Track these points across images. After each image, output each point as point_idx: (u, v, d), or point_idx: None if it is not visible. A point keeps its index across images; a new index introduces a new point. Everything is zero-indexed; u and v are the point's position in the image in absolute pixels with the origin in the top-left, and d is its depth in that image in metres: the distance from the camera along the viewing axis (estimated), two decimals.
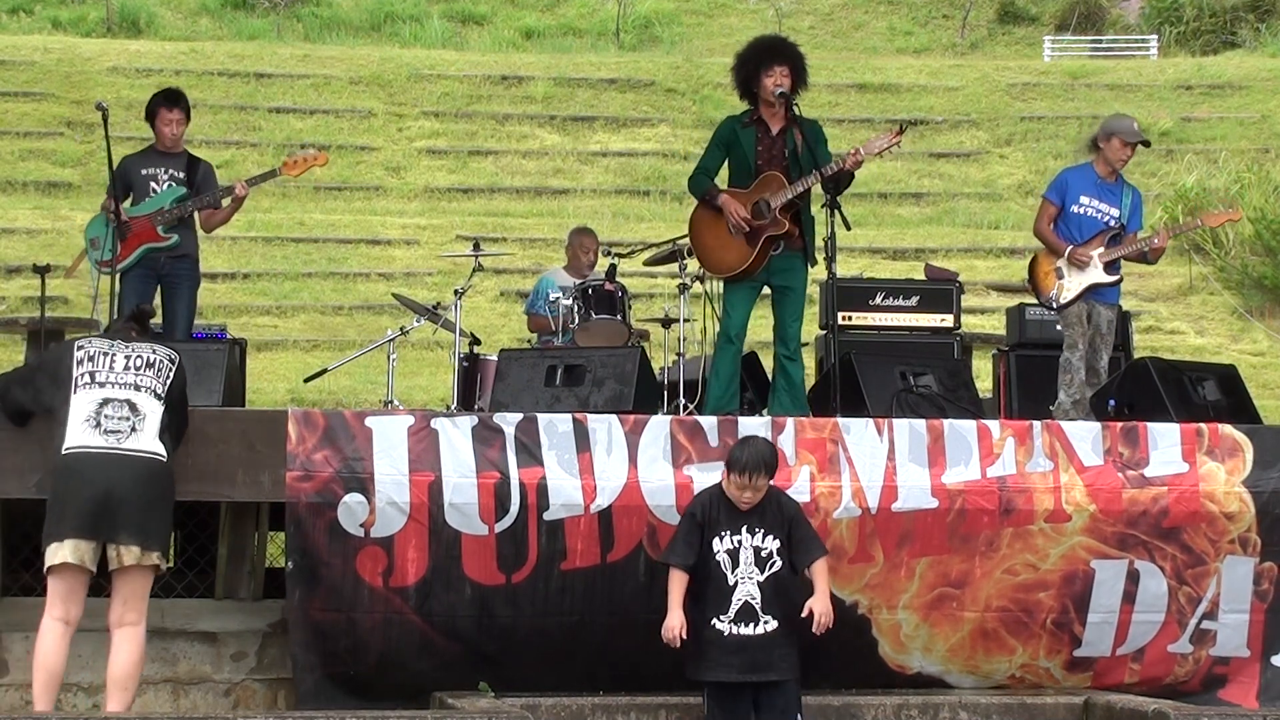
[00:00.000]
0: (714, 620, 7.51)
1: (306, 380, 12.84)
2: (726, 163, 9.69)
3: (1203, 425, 8.71)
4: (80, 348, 7.46)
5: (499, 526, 7.95)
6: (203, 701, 8.26)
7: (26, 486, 7.63)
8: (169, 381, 7.50)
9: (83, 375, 7.36)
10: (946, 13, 32.35)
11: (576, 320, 10.99)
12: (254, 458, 7.91)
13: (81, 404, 7.30)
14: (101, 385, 7.34)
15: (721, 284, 9.84)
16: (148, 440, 7.33)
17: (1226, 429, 8.71)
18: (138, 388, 7.39)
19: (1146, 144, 10.41)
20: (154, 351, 7.56)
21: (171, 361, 7.57)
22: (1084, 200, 10.21)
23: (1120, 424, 8.69)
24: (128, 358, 7.45)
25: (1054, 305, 10.20)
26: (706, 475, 8.08)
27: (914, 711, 8.21)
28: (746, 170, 9.54)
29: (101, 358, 7.42)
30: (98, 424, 7.26)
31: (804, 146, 9.45)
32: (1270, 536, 8.59)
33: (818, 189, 9.42)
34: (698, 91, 25.05)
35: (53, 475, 7.29)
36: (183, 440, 7.69)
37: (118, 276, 10.23)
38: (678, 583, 7.55)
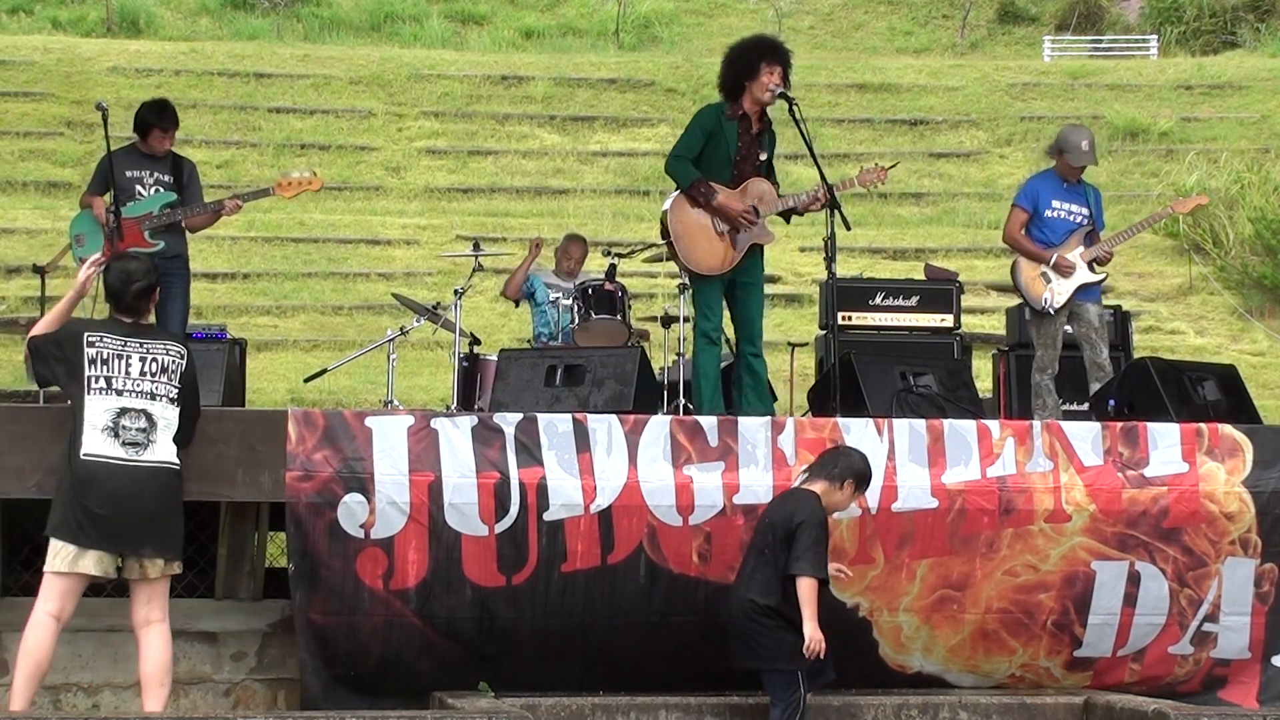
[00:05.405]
0: None
1: (306, 380, 12.83)
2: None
3: (1203, 425, 8.70)
4: (91, 344, 7.32)
5: (499, 527, 7.94)
6: (203, 701, 8.25)
7: (26, 486, 7.61)
8: (181, 378, 7.44)
9: (97, 379, 7.27)
10: (946, 13, 32.35)
11: (576, 320, 11.00)
12: (254, 458, 7.90)
13: (97, 410, 7.22)
14: (119, 394, 7.26)
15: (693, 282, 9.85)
16: (164, 450, 7.31)
17: (1226, 429, 8.70)
18: (153, 396, 7.33)
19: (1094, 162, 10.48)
20: (166, 351, 7.45)
21: (182, 357, 7.50)
22: (1055, 204, 10.29)
23: (1120, 424, 8.68)
24: (143, 360, 7.36)
25: (1051, 310, 10.20)
26: (706, 475, 8.08)
27: (914, 711, 8.20)
28: (725, 163, 9.46)
29: (116, 361, 7.31)
30: (116, 434, 7.21)
31: (768, 154, 9.58)
32: (1270, 537, 8.58)
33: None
34: (698, 91, 25.00)
35: (70, 478, 7.20)
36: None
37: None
38: (817, 596, 7.50)
